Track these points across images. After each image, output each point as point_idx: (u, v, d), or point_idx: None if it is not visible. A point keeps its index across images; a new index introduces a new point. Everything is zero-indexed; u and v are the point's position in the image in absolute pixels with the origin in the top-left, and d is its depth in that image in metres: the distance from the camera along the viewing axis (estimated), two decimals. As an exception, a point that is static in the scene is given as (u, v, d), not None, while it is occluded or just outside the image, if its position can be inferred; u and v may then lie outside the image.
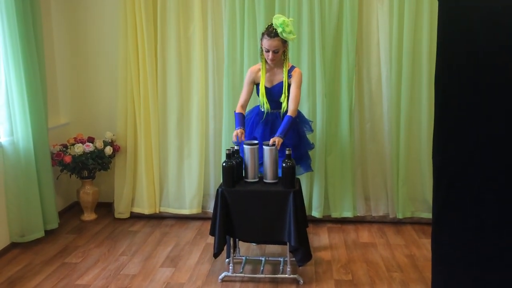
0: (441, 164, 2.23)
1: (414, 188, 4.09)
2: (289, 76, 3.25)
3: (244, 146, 3.10)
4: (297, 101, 3.23)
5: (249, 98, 3.40)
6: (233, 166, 3.04)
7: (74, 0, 4.31)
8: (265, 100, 3.29)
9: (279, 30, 3.10)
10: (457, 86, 2.16)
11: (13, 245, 3.65)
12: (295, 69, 3.28)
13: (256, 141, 3.14)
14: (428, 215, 4.00)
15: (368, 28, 3.99)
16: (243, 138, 3.18)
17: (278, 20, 3.11)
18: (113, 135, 4.27)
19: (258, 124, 3.40)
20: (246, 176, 3.15)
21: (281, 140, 3.08)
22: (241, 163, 3.16)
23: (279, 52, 3.18)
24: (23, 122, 3.57)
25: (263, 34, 3.19)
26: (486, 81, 2.12)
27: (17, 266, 3.38)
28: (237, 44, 4.00)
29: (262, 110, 3.35)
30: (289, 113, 3.20)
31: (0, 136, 3.57)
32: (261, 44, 3.21)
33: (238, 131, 3.18)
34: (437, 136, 2.23)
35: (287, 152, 3.00)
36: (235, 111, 3.39)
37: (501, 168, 2.13)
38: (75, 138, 4.16)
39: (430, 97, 3.87)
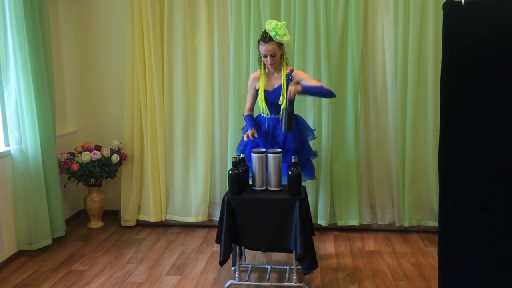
0: (447, 172, 2.23)
1: (420, 196, 4.08)
2: (291, 79, 3.29)
3: (252, 154, 3.12)
4: (320, 83, 3.31)
5: (255, 102, 3.46)
6: (239, 174, 3.05)
7: (82, 10, 4.37)
8: (264, 105, 3.35)
9: (272, 34, 3.16)
10: (463, 96, 2.17)
11: (20, 253, 3.67)
12: (295, 71, 3.35)
13: (263, 149, 3.16)
14: (434, 223, 3.99)
15: (373, 37, 4.01)
16: (256, 135, 3.27)
17: (270, 25, 3.20)
18: (120, 143, 4.30)
19: (261, 128, 3.43)
20: (253, 184, 3.16)
21: (299, 90, 3.11)
22: (247, 171, 3.18)
23: (277, 56, 3.24)
24: (32, 130, 3.61)
25: (259, 41, 3.26)
26: (492, 90, 2.13)
27: (24, 273, 3.39)
28: (243, 53, 4.04)
29: (263, 116, 3.39)
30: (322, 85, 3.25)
31: (9, 145, 3.61)
32: (259, 52, 3.28)
33: (249, 132, 3.26)
34: (443, 144, 2.24)
35: (293, 160, 3.02)
36: (243, 115, 3.50)
37: (509, 176, 2.13)
38: (82, 146, 4.20)
39: (436, 105, 3.88)
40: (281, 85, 3.31)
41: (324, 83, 3.93)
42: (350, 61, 3.96)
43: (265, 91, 3.35)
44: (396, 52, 3.94)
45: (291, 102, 3.09)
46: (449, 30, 2.17)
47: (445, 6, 2.17)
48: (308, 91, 3.21)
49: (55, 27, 4.30)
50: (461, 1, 2.12)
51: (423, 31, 3.89)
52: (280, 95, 3.30)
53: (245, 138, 3.26)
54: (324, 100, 3.95)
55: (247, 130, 3.37)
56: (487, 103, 2.13)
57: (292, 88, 3.09)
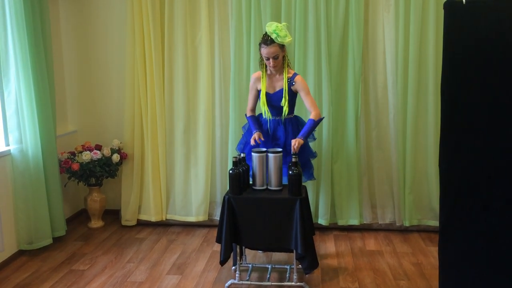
0: (447, 172, 2.23)
1: (420, 195, 4.07)
2: (292, 84, 3.29)
3: (252, 154, 3.12)
4: (316, 105, 3.32)
5: (256, 102, 3.46)
6: (240, 173, 3.05)
7: (83, 9, 4.37)
8: (266, 108, 3.34)
9: (274, 36, 3.15)
10: (464, 96, 2.17)
11: (20, 252, 3.68)
12: (297, 76, 3.31)
13: (264, 149, 3.16)
14: (435, 222, 3.98)
15: (374, 37, 4.01)
16: (262, 138, 3.25)
17: (271, 27, 3.18)
18: (120, 142, 4.30)
19: (261, 130, 3.43)
20: (254, 184, 3.16)
21: (302, 142, 3.14)
22: (247, 170, 3.18)
23: (279, 58, 3.23)
24: (32, 130, 3.61)
25: (260, 44, 3.25)
26: (493, 90, 2.13)
27: (25, 273, 3.40)
28: (243, 52, 4.03)
29: (264, 117, 3.39)
30: (311, 117, 3.27)
31: (9, 144, 3.61)
32: (261, 54, 3.27)
33: (255, 135, 3.24)
34: (444, 144, 2.24)
35: (293, 159, 3.01)
36: (246, 115, 3.47)
37: (509, 176, 2.13)
38: (82, 146, 4.20)
39: (436, 105, 3.87)
40: (283, 88, 3.31)
41: (324, 83, 3.94)
42: (351, 60, 3.95)
43: (267, 94, 3.35)
44: (396, 51, 3.93)
45: (295, 155, 3.08)
46: (450, 29, 2.17)
47: (446, 6, 2.17)
48: (308, 134, 3.24)
49: (56, 26, 4.30)
50: (462, 1, 2.12)
51: (424, 31, 3.89)
52: (282, 97, 3.29)
53: (252, 142, 3.24)
54: (325, 100, 3.95)
55: (251, 131, 3.37)
56: (488, 103, 2.13)
57: (295, 143, 3.11)
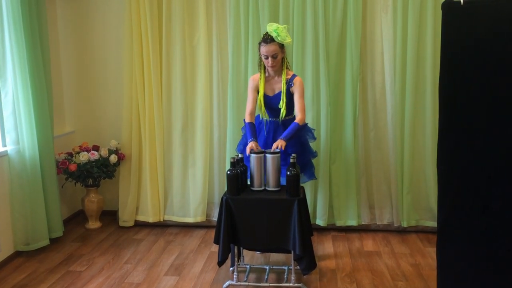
0: (446, 172, 2.23)
1: (418, 196, 4.07)
2: (291, 85, 3.27)
3: (251, 154, 3.11)
4: (304, 110, 3.28)
5: (256, 105, 3.41)
6: (238, 174, 3.04)
7: (80, 9, 4.36)
8: (264, 110, 3.32)
9: (274, 35, 3.15)
10: (462, 96, 2.17)
11: (17, 254, 3.66)
12: (296, 77, 3.30)
13: (262, 150, 3.15)
14: (433, 223, 3.98)
15: (372, 37, 4.01)
16: (259, 148, 3.16)
17: (271, 27, 3.18)
18: (118, 143, 4.29)
19: (261, 132, 3.42)
20: (252, 185, 3.15)
21: (284, 143, 3.08)
22: (245, 171, 3.17)
23: (278, 57, 3.21)
24: (29, 130, 3.59)
25: (259, 43, 3.24)
26: (492, 90, 2.12)
27: (22, 274, 3.38)
28: (241, 53, 4.03)
29: (264, 119, 3.38)
30: (296, 121, 3.22)
31: (6, 145, 3.60)
32: (260, 53, 3.25)
33: (252, 144, 3.14)
34: (442, 144, 2.24)
35: (291, 160, 3.01)
36: (244, 120, 3.40)
37: (508, 176, 2.13)
38: (80, 147, 4.19)
39: (434, 105, 3.88)
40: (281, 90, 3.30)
41: (322, 83, 3.94)
42: (349, 61, 3.95)
43: (266, 96, 3.33)
44: (394, 51, 3.93)
45: (293, 164, 3.00)
46: (447, 30, 2.17)
47: (444, 6, 2.17)
48: (290, 137, 3.16)
49: (53, 26, 4.29)
50: (459, 1, 2.12)
51: (422, 31, 3.89)
52: (281, 99, 3.28)
53: (248, 152, 3.13)
54: (323, 100, 3.95)
55: (247, 138, 3.30)
56: (487, 103, 2.13)
57: (276, 146, 3.05)
